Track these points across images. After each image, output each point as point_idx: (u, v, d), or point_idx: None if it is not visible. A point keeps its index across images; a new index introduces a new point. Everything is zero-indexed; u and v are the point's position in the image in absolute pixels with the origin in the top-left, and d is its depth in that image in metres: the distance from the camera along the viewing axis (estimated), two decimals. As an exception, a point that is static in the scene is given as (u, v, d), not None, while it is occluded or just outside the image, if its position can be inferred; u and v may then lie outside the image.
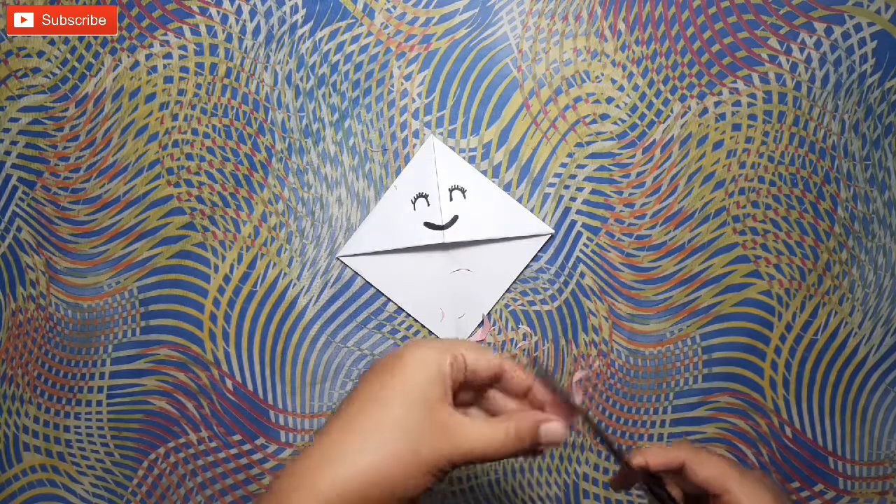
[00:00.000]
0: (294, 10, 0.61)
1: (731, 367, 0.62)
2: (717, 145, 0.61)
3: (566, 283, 0.62)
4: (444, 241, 0.61)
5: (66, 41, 0.62)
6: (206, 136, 0.62)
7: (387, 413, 0.36)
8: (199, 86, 0.62)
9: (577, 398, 0.62)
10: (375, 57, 0.62)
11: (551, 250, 0.62)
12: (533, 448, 0.39)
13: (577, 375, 0.62)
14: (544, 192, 0.62)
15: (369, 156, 0.62)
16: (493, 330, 0.63)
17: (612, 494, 0.63)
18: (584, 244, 0.62)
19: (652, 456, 0.42)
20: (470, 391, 0.42)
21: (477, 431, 0.37)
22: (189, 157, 0.62)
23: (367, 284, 0.63)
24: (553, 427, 0.39)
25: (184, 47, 0.62)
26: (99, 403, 0.64)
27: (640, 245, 0.62)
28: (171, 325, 0.63)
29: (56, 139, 0.62)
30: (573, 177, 0.62)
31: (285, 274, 0.63)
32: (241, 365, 0.63)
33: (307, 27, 0.61)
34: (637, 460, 0.41)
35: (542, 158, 0.62)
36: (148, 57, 0.62)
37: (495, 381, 0.41)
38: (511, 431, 0.38)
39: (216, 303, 0.63)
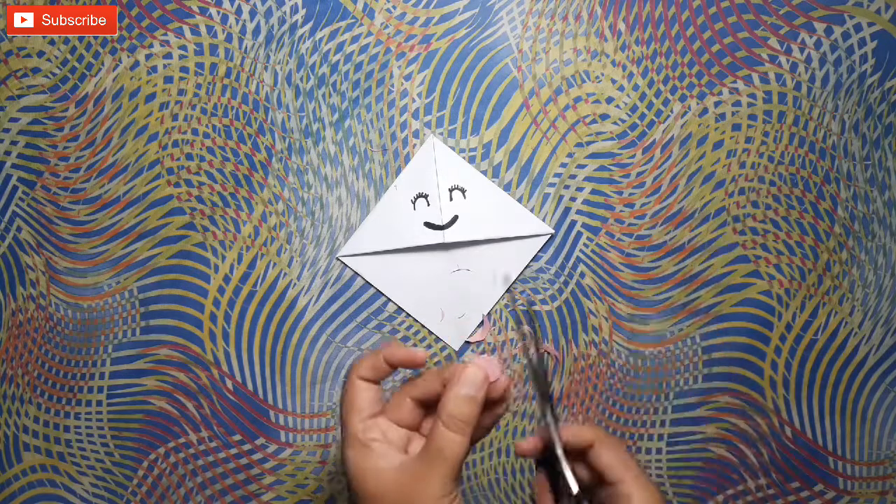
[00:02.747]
0: (294, 10, 0.61)
1: (731, 367, 0.62)
2: (717, 145, 0.61)
3: (566, 283, 0.62)
4: (444, 241, 0.61)
5: (66, 41, 0.62)
6: (206, 136, 0.62)
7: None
8: (199, 86, 0.62)
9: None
10: (375, 57, 0.62)
11: (551, 250, 0.62)
12: (484, 407, 0.40)
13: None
14: (544, 192, 0.62)
15: (369, 156, 0.62)
16: (493, 330, 0.63)
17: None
18: (584, 244, 0.62)
19: (569, 432, 0.42)
20: (408, 410, 0.43)
21: (427, 455, 0.39)
22: (189, 157, 0.62)
23: (367, 284, 0.63)
24: (470, 372, 0.40)
25: (184, 47, 0.62)
26: (99, 403, 0.64)
27: (640, 245, 0.62)
28: (171, 325, 0.63)
29: (56, 139, 0.62)
30: (573, 177, 0.62)
31: (285, 274, 0.63)
32: (241, 365, 0.63)
33: (307, 27, 0.61)
34: (559, 433, 0.42)
35: (542, 158, 0.62)
36: (148, 57, 0.62)
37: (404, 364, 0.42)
38: (444, 425, 0.38)
39: (216, 303, 0.63)
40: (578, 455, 0.43)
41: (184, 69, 0.62)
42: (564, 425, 0.43)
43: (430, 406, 0.43)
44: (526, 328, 0.53)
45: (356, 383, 0.42)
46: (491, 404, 0.41)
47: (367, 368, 0.42)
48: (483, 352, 0.63)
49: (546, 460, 0.43)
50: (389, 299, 0.63)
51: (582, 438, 0.42)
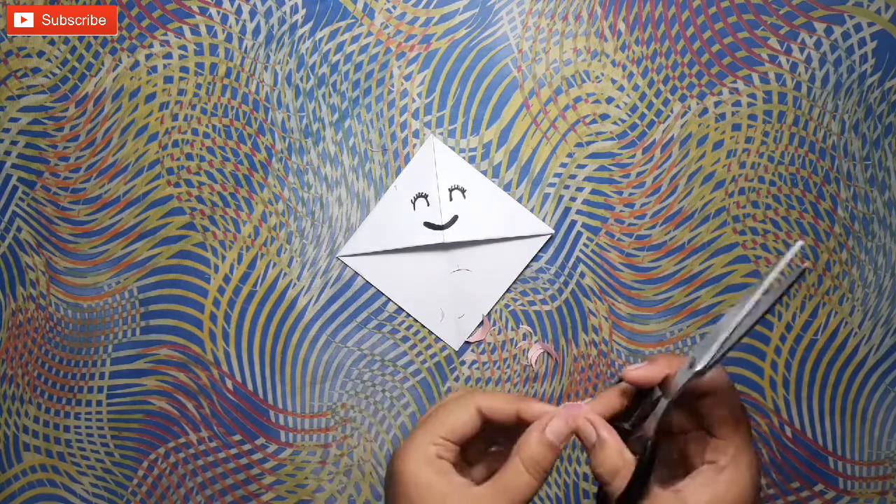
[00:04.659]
0: (294, 10, 0.61)
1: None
2: (717, 145, 0.61)
3: (566, 283, 0.62)
4: (443, 241, 0.61)
5: (66, 41, 0.62)
6: (206, 136, 0.62)
7: None
8: (199, 86, 0.62)
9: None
10: (375, 57, 0.62)
11: (551, 250, 0.62)
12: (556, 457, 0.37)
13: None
14: (544, 192, 0.62)
15: (369, 156, 0.62)
16: (493, 330, 0.63)
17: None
18: (584, 244, 0.62)
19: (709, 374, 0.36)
20: (484, 446, 0.40)
21: (495, 490, 0.36)
22: (189, 157, 0.62)
23: (367, 284, 0.63)
24: (555, 425, 0.36)
25: (184, 47, 0.62)
26: (99, 403, 0.64)
27: (640, 245, 0.62)
28: (171, 325, 0.63)
29: (56, 139, 0.62)
30: (573, 177, 0.62)
31: (285, 274, 0.63)
32: (241, 365, 0.63)
33: (307, 27, 0.61)
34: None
35: (542, 158, 0.62)
36: (148, 57, 0.62)
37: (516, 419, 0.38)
38: (522, 464, 0.36)
39: (216, 303, 0.63)
40: (688, 397, 0.37)
41: (184, 69, 0.62)
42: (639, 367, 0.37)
43: (492, 424, 0.39)
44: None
45: (467, 407, 0.37)
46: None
47: (490, 406, 0.37)
48: (483, 350, 0.63)
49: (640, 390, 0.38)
50: (389, 299, 0.63)
51: (715, 381, 0.36)
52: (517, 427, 0.38)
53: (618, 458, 0.36)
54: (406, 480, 0.36)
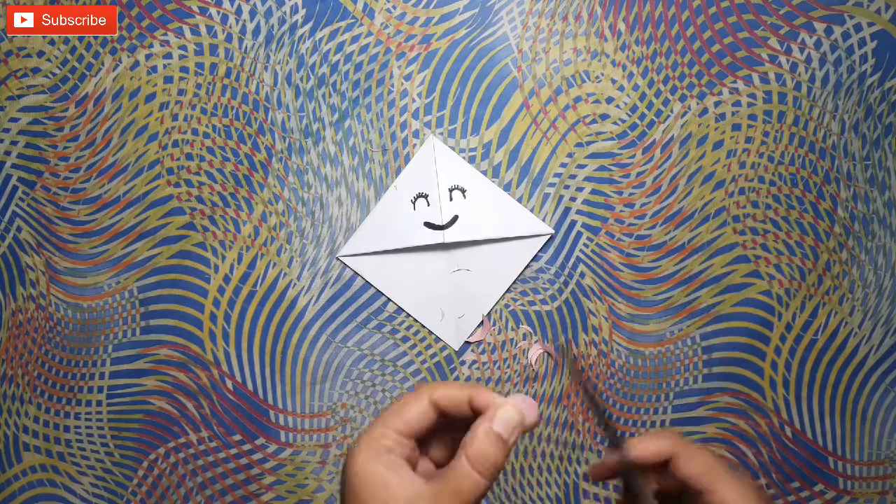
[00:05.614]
0: (294, 10, 0.61)
1: (731, 367, 0.62)
2: (717, 145, 0.61)
3: (566, 283, 0.62)
4: (444, 241, 0.61)
5: (66, 41, 0.62)
6: (206, 136, 0.62)
7: None
8: (199, 86, 0.62)
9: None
10: (375, 57, 0.62)
11: (551, 250, 0.62)
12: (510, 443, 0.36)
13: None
14: (544, 192, 0.62)
15: (369, 156, 0.62)
16: (493, 330, 0.63)
17: (611, 494, 0.63)
18: (584, 244, 0.62)
19: (641, 449, 0.37)
20: (444, 442, 0.39)
21: (442, 489, 0.34)
22: (189, 157, 0.62)
23: (367, 284, 0.63)
24: (504, 416, 0.35)
25: (184, 47, 0.62)
26: (99, 403, 0.64)
27: (640, 245, 0.62)
28: (171, 325, 0.63)
29: (56, 139, 0.62)
30: (573, 177, 0.62)
31: (285, 274, 0.63)
32: (241, 365, 0.63)
33: (307, 27, 0.61)
34: (630, 452, 0.38)
35: (542, 158, 0.62)
36: (148, 57, 0.62)
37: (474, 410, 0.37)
38: (469, 462, 0.34)
39: (216, 303, 0.63)
40: (661, 466, 0.38)
41: (184, 69, 0.62)
42: (637, 438, 0.38)
43: (446, 417, 0.38)
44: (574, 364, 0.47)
45: (421, 398, 0.37)
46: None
47: (443, 396, 0.36)
48: (483, 350, 0.63)
49: (624, 475, 0.39)
50: (389, 299, 0.63)
51: (657, 454, 0.37)
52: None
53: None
54: (355, 473, 0.35)
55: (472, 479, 0.34)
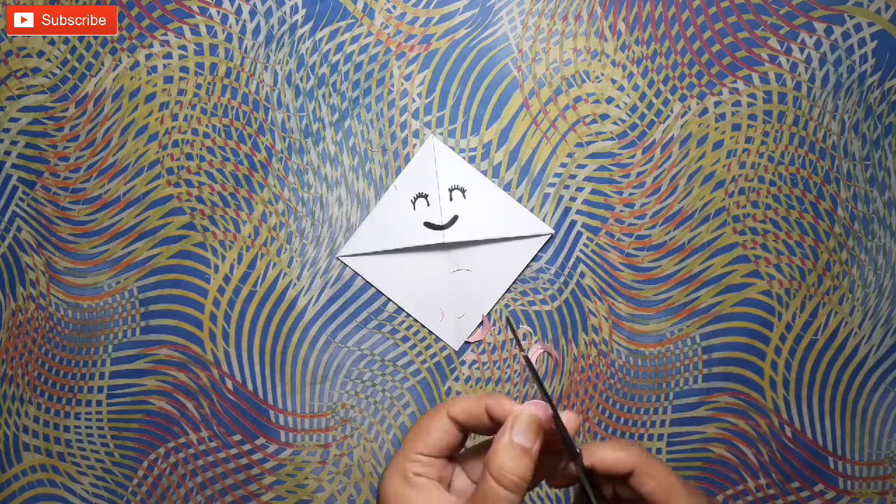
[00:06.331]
0: (294, 10, 0.61)
1: (731, 367, 0.62)
2: (717, 145, 0.61)
3: (566, 283, 0.62)
4: (444, 241, 0.61)
5: (66, 41, 0.62)
6: (206, 136, 0.62)
7: None
8: (199, 86, 0.62)
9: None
10: (375, 57, 0.62)
11: (551, 250, 0.62)
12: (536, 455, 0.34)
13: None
14: (544, 192, 0.62)
15: (369, 156, 0.62)
16: (493, 330, 0.63)
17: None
18: (584, 244, 0.62)
19: (600, 457, 0.36)
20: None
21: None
22: (189, 157, 0.62)
23: (367, 284, 0.63)
24: (523, 425, 0.34)
25: (184, 47, 0.62)
26: (99, 403, 0.64)
27: (640, 245, 0.62)
28: (171, 325, 0.63)
29: (56, 139, 0.62)
30: (573, 177, 0.62)
31: (285, 274, 0.63)
32: (241, 365, 0.63)
33: (307, 27, 0.61)
34: (588, 460, 0.36)
35: (542, 158, 0.62)
36: (148, 57, 0.62)
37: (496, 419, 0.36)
38: (493, 479, 0.33)
39: (216, 303, 0.63)
40: (621, 477, 0.37)
41: (184, 69, 0.62)
42: (597, 444, 0.37)
43: (472, 430, 0.37)
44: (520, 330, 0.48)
45: (440, 417, 0.36)
46: (548, 452, 0.35)
47: (461, 411, 0.36)
48: (483, 350, 0.63)
49: (581, 482, 0.37)
50: (389, 299, 0.63)
51: (615, 466, 0.36)
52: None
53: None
54: (385, 498, 0.35)
55: (500, 497, 0.33)
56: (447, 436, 0.36)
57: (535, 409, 0.34)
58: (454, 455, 0.37)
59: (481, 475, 0.34)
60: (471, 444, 0.38)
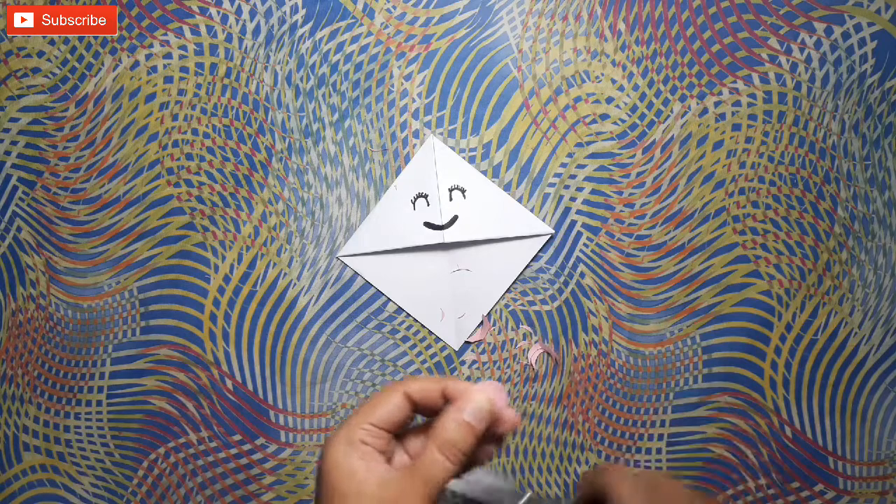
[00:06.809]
0: (294, 10, 0.61)
1: (731, 367, 0.62)
2: (717, 145, 0.61)
3: (566, 283, 0.62)
4: (443, 241, 0.61)
5: (66, 41, 0.62)
6: (206, 136, 0.62)
7: None
8: (199, 86, 0.62)
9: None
10: (375, 57, 0.62)
11: (551, 250, 0.62)
12: (482, 435, 0.37)
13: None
14: (544, 192, 0.62)
15: (369, 156, 0.62)
16: (493, 330, 0.63)
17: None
18: (584, 244, 0.62)
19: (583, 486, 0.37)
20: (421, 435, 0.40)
21: (410, 474, 0.36)
22: (189, 157, 0.63)
23: (367, 284, 0.63)
24: (475, 404, 0.36)
25: (184, 47, 0.62)
26: (99, 403, 0.64)
27: (640, 245, 0.62)
28: (171, 325, 0.63)
29: (56, 139, 0.62)
30: (573, 177, 0.62)
31: (285, 274, 0.63)
32: (241, 365, 0.63)
33: (307, 27, 0.61)
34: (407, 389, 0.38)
35: (542, 158, 0.62)
36: (148, 57, 0.62)
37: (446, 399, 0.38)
38: (437, 448, 0.36)
39: (216, 303, 0.63)
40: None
41: (184, 69, 0.62)
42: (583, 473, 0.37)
43: (421, 409, 0.40)
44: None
45: (394, 393, 0.38)
46: (489, 438, 0.38)
47: (417, 388, 0.38)
48: (483, 350, 0.63)
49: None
50: (389, 299, 0.63)
51: (590, 492, 0.37)
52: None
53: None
54: (328, 462, 0.37)
55: (441, 465, 0.36)
56: (399, 411, 0.38)
57: (493, 392, 0.37)
58: (398, 433, 0.39)
59: (425, 446, 0.36)
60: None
